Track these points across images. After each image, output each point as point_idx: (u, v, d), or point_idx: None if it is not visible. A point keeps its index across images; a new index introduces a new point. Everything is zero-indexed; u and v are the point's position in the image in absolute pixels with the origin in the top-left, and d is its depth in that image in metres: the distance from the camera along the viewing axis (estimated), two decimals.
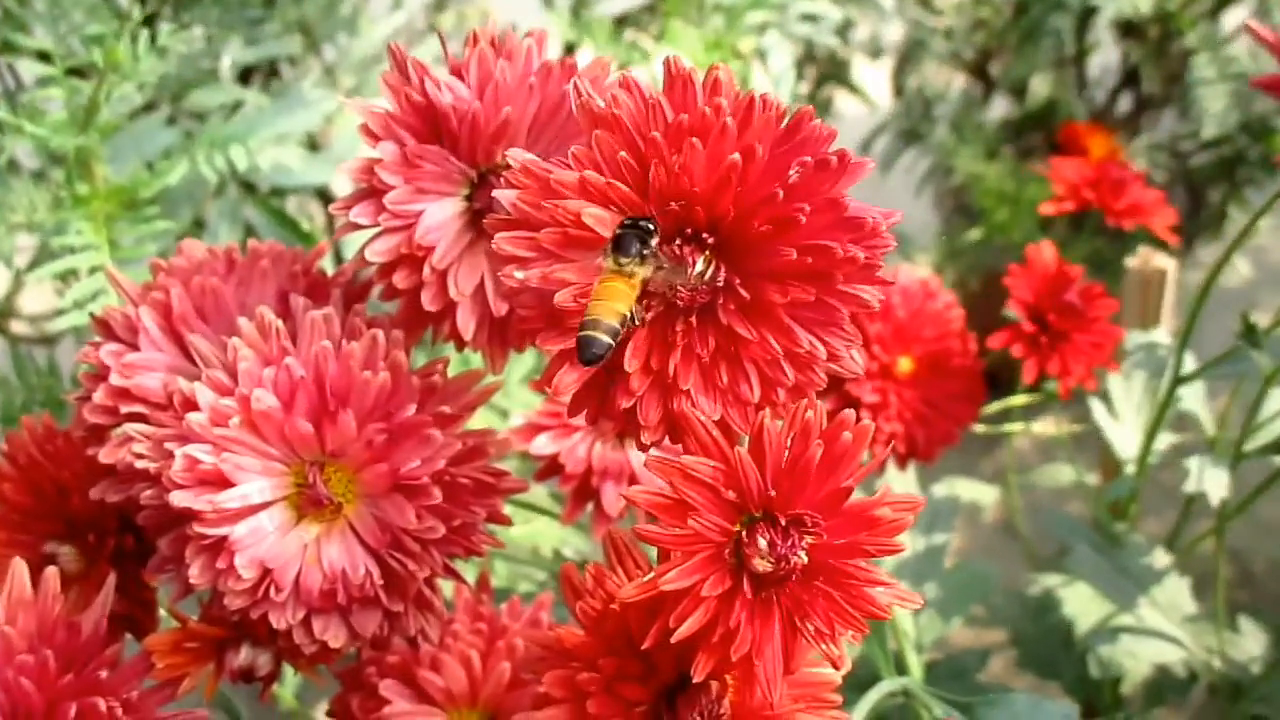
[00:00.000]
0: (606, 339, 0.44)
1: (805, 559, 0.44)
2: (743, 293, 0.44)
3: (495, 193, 0.46)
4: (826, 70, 1.95)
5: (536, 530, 1.02)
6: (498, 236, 0.45)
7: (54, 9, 1.09)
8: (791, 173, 0.43)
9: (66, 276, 0.95)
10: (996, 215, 1.76)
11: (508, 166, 0.55)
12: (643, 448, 0.46)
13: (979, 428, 1.00)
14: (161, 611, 0.64)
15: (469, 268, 0.55)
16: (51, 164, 1.11)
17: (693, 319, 0.45)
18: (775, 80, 1.33)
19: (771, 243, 0.44)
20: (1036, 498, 1.64)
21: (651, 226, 0.44)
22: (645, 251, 0.44)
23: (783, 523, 0.44)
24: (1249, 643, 1.01)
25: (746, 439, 0.45)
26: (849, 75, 1.95)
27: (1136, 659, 0.95)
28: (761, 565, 0.44)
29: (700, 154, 0.43)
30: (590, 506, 0.77)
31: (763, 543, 0.44)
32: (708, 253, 0.44)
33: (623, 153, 0.44)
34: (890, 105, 2.13)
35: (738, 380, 0.45)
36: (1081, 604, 0.99)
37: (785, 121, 0.44)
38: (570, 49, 1.49)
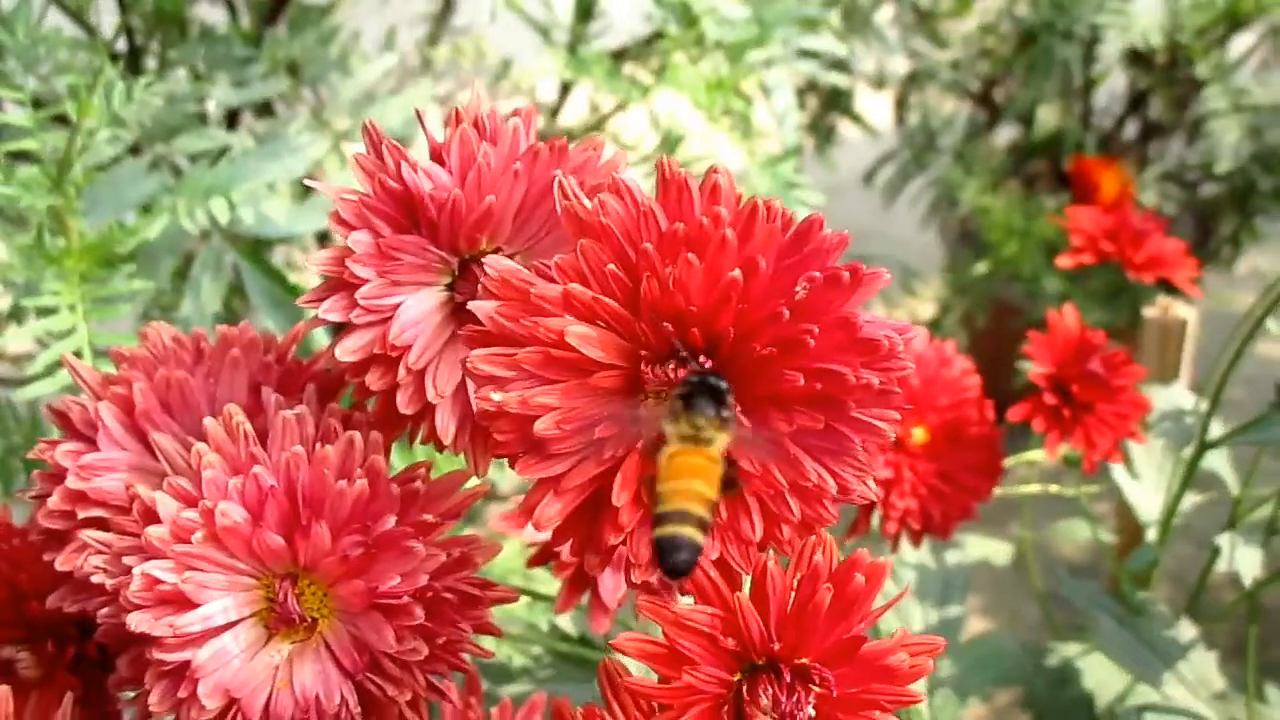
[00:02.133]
0: (697, 538, 0.37)
1: (813, 714, 0.40)
2: (744, 420, 0.40)
3: (471, 305, 0.42)
4: (829, 99, 1.91)
5: (534, 603, 0.98)
6: (472, 355, 0.41)
7: (33, 50, 1.06)
8: (798, 289, 0.39)
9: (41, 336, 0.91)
10: (1005, 249, 1.72)
11: (495, 250, 0.51)
12: (634, 586, 0.42)
13: (995, 490, 0.95)
14: None
15: (449, 366, 0.51)
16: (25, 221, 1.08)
17: None
18: (779, 119, 1.29)
19: (776, 366, 0.39)
20: (1055, 549, 1.60)
21: (724, 385, 0.39)
22: (725, 414, 0.38)
23: (787, 677, 0.40)
24: (1277, 714, 0.97)
25: (749, 580, 0.41)
26: (851, 105, 1.92)
27: None
28: None
29: (697, 269, 0.39)
30: (587, 595, 0.73)
31: (765, 699, 0.40)
32: None
33: (611, 265, 0.40)
34: (894, 132, 2.10)
35: (738, 516, 0.41)
36: (1102, 675, 0.95)
37: (791, 230, 0.40)
38: (567, 87, 1.46)
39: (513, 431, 0.41)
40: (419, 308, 0.51)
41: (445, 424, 0.51)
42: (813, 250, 0.40)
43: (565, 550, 0.43)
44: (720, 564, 0.41)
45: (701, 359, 0.40)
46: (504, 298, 0.41)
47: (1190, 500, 1.02)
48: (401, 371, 0.50)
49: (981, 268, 1.82)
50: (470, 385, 0.51)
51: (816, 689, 0.40)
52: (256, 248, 1.10)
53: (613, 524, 0.41)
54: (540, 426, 0.40)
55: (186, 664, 0.49)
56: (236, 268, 1.10)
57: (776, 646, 0.40)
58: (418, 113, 0.55)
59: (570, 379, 0.40)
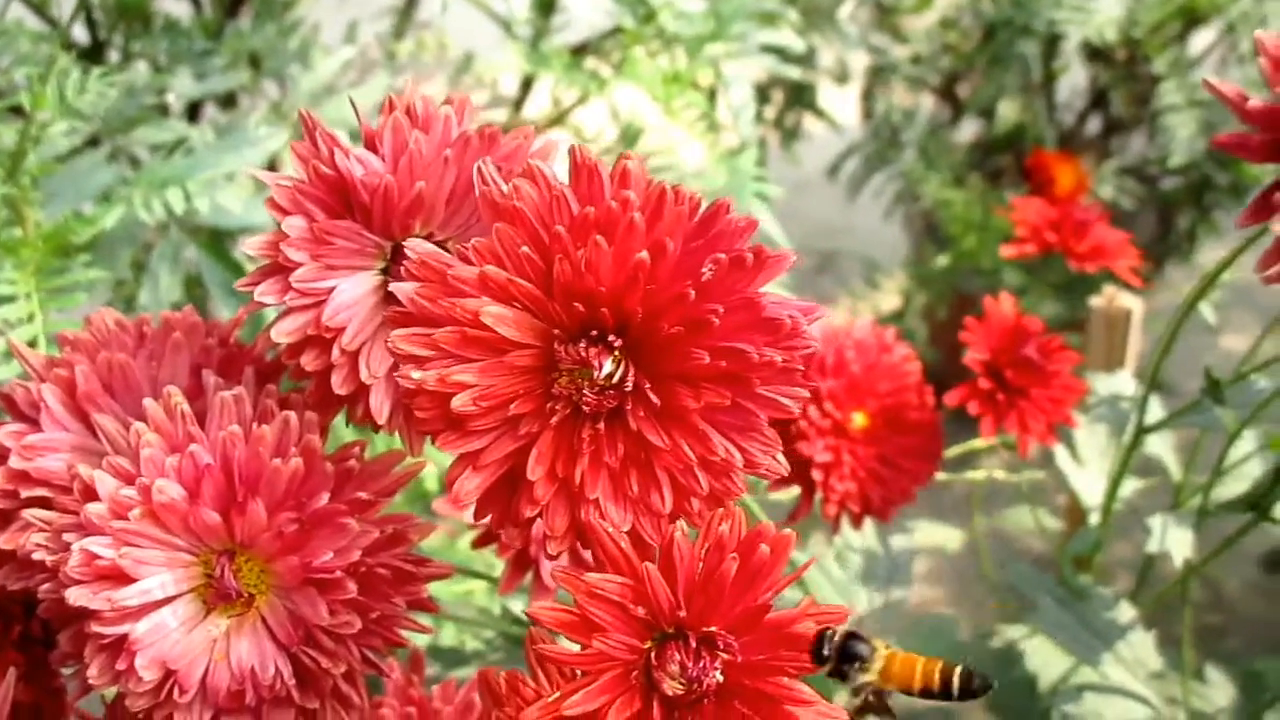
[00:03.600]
0: None
1: (720, 679, 0.41)
2: (653, 397, 0.42)
3: (393, 286, 0.43)
4: (793, 94, 1.93)
5: (486, 586, 1.00)
6: (393, 335, 0.42)
7: None
8: (705, 270, 0.41)
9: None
10: (965, 242, 1.74)
11: (428, 236, 0.52)
12: (550, 557, 0.43)
13: (940, 475, 0.97)
14: None
15: (382, 348, 0.52)
16: None
17: (600, 424, 0.42)
18: (736, 112, 1.31)
19: (683, 345, 0.41)
20: (1005, 536, 1.62)
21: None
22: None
23: (694, 644, 0.41)
24: (1216, 694, 0.99)
25: (657, 553, 0.42)
26: (814, 99, 1.93)
27: (1102, 719, 0.92)
28: (672, 687, 0.41)
29: (606, 251, 0.41)
30: (529, 576, 0.74)
31: (673, 665, 0.41)
32: (616, 354, 0.42)
33: (525, 247, 0.41)
34: (859, 128, 2.12)
35: (649, 489, 0.42)
36: (1045, 658, 0.97)
37: (699, 214, 0.42)
38: (529, 81, 1.47)
39: (433, 409, 0.42)
40: (353, 291, 0.53)
41: (379, 405, 0.53)
42: (719, 233, 0.41)
43: (483, 525, 0.44)
44: (632, 536, 0.42)
45: (611, 338, 0.42)
46: (424, 279, 0.43)
47: (1133, 487, 1.04)
48: (335, 353, 0.52)
49: (943, 261, 1.84)
50: None
51: (723, 655, 0.42)
52: (215, 239, 1.11)
53: (529, 498, 0.42)
54: (457, 403, 0.41)
55: (124, 637, 0.50)
56: (192, 270, 1.11)
57: (684, 614, 0.41)
58: (351, 101, 0.56)
59: (486, 358, 0.42)
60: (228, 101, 1.42)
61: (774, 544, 0.41)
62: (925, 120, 2.06)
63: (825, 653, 0.44)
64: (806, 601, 0.43)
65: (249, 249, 0.52)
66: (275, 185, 0.53)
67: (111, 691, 0.59)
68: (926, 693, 0.48)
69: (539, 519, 0.42)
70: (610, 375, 0.41)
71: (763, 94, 1.98)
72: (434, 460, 0.89)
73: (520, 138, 0.53)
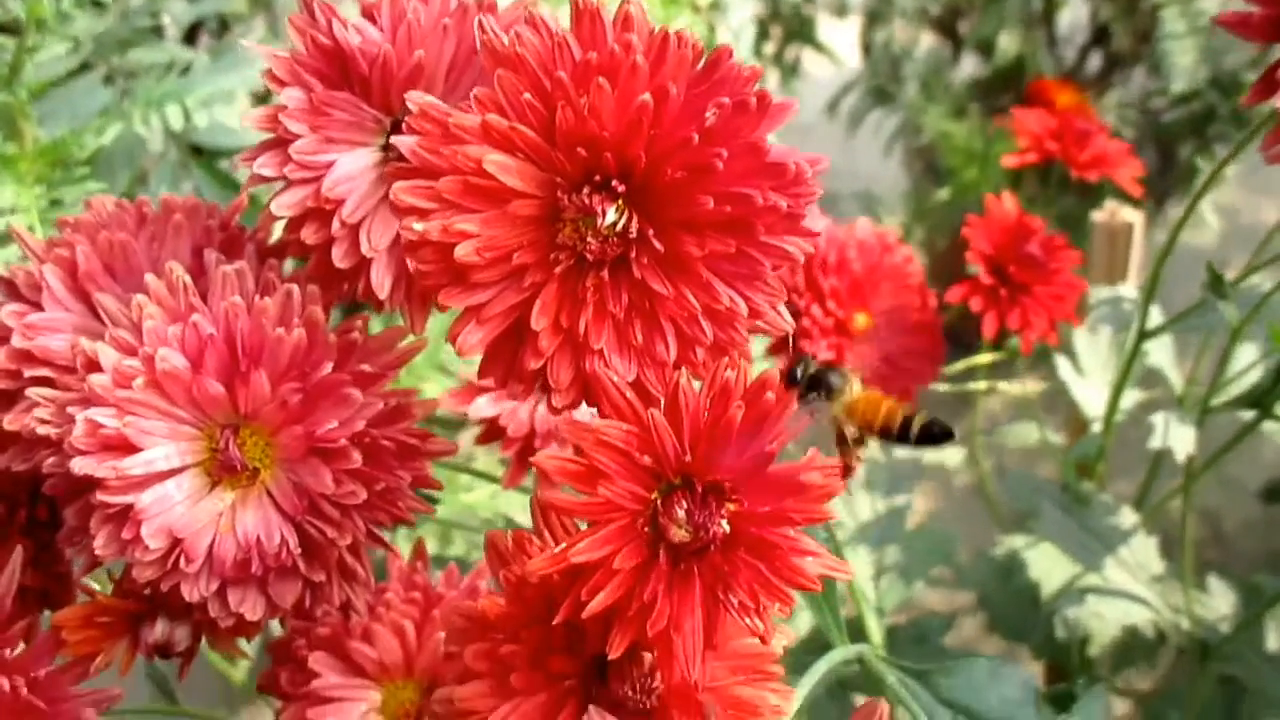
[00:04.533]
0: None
1: (726, 528, 0.42)
2: (657, 245, 0.41)
3: (394, 139, 0.43)
4: (792, 27, 1.92)
5: (494, 497, 1.00)
6: (394, 186, 0.42)
7: None
8: (708, 115, 0.40)
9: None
10: (965, 174, 1.73)
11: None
12: (555, 411, 0.43)
13: (944, 388, 0.97)
14: None
15: (383, 221, 0.52)
16: None
17: (604, 273, 0.42)
18: (735, 34, 1.30)
19: (687, 191, 0.41)
20: (1007, 458, 1.62)
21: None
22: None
23: (701, 490, 0.41)
24: (1218, 602, 1.00)
25: (663, 401, 0.42)
26: (814, 34, 1.92)
27: (1104, 621, 0.93)
28: (679, 535, 0.41)
29: (609, 95, 0.40)
30: (534, 471, 0.74)
31: (680, 511, 0.41)
32: (619, 202, 0.42)
33: (527, 94, 0.41)
34: (858, 64, 2.10)
35: (653, 338, 0.42)
36: (1047, 565, 0.97)
37: (702, 61, 0.41)
38: None
39: (436, 262, 0.42)
40: (353, 164, 0.52)
41: (380, 279, 0.53)
42: (722, 78, 0.41)
43: (491, 382, 0.44)
44: (636, 386, 0.42)
45: (615, 184, 0.41)
46: (424, 131, 0.42)
47: (1135, 398, 1.04)
48: (336, 225, 0.52)
49: (943, 194, 1.83)
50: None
51: (730, 504, 0.42)
52: (214, 159, 1.10)
53: (533, 350, 0.42)
54: (460, 253, 0.41)
55: (130, 507, 0.50)
56: (198, 187, 1.10)
57: (690, 460, 0.41)
58: None
59: (489, 208, 0.42)
60: (221, 29, 1.41)
61: (779, 393, 0.41)
62: (925, 57, 2.04)
63: (798, 376, 0.45)
64: (812, 452, 0.43)
65: (248, 121, 0.52)
66: (273, 57, 0.52)
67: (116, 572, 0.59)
68: (886, 432, 0.49)
69: (544, 371, 0.42)
70: (614, 223, 0.41)
71: (763, 29, 1.96)
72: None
73: (520, 8, 0.53)
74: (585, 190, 0.41)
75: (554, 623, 0.44)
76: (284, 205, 0.52)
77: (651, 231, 0.42)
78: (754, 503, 0.42)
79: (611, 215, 0.41)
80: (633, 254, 0.42)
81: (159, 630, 0.57)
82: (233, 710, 1.32)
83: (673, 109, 0.41)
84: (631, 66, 0.40)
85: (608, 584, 0.41)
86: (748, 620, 0.42)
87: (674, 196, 0.41)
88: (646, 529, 0.42)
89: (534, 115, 0.41)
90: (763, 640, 0.44)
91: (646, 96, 0.40)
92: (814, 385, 0.49)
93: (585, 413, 0.45)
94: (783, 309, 0.43)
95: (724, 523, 0.42)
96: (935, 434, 0.49)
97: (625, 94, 0.40)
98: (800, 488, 0.42)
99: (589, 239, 0.41)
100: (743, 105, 0.40)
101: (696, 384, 0.42)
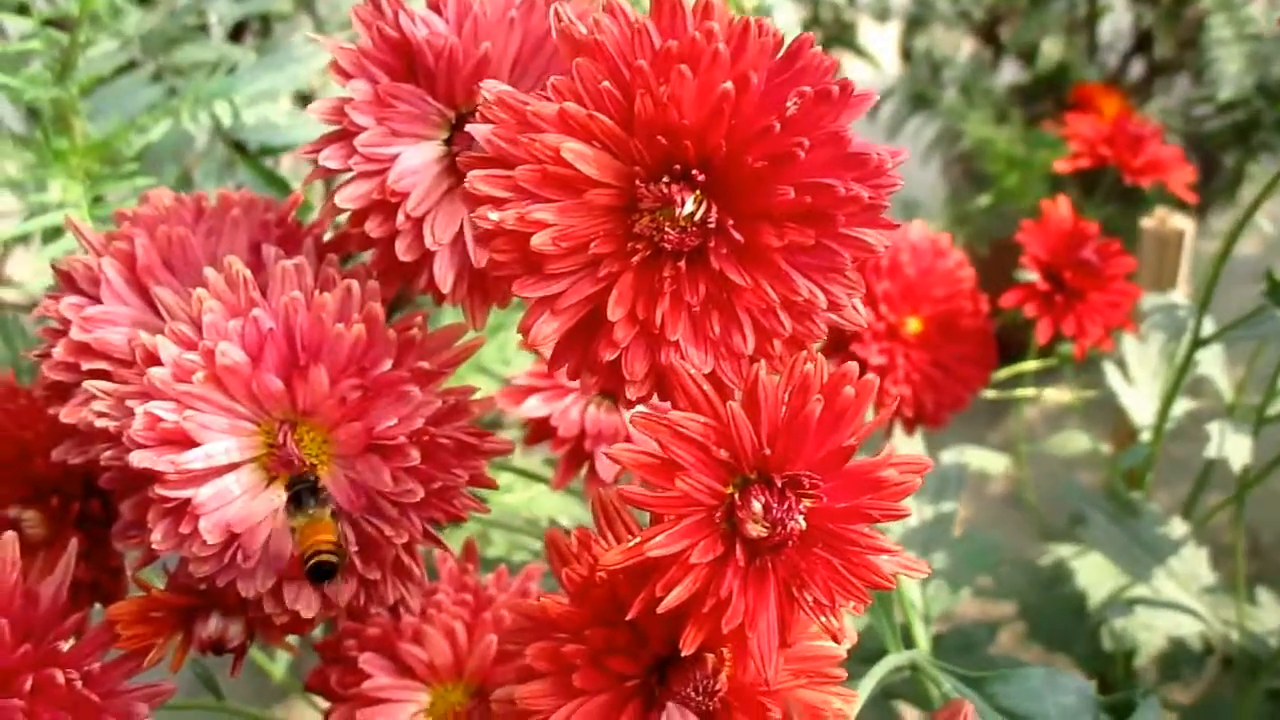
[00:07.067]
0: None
1: (803, 524, 0.41)
2: (736, 235, 0.41)
3: (469, 127, 0.42)
4: (833, 33, 1.91)
5: (534, 498, 0.99)
6: (470, 175, 0.41)
7: None
8: (789, 104, 0.40)
9: (50, 237, 0.92)
10: (1006, 180, 1.72)
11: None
12: (629, 404, 0.42)
13: (989, 393, 0.96)
14: None
15: (447, 215, 0.52)
16: (34, 124, 1.08)
17: (682, 264, 0.41)
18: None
19: (767, 181, 0.40)
20: (1045, 468, 1.60)
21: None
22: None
23: (779, 484, 0.41)
24: (1267, 615, 0.98)
25: (740, 394, 0.41)
26: (855, 38, 1.91)
27: (1152, 631, 0.92)
28: (755, 530, 0.40)
29: (690, 83, 0.40)
30: (584, 471, 0.74)
31: (757, 506, 0.40)
32: (698, 192, 0.41)
33: (605, 82, 0.40)
34: (898, 69, 2.10)
35: (730, 330, 0.41)
36: (1094, 575, 0.96)
37: (783, 49, 0.41)
38: None
39: (510, 251, 0.42)
40: (418, 158, 0.52)
41: (443, 273, 0.52)
42: (803, 67, 0.40)
43: (562, 374, 0.44)
44: (713, 378, 0.41)
45: (695, 174, 0.41)
46: (499, 120, 0.42)
47: (1185, 407, 1.02)
48: (400, 218, 0.51)
49: (983, 200, 1.82)
50: (469, 235, 0.52)
51: (807, 499, 0.41)
52: (260, 157, 1.10)
53: (608, 341, 0.41)
54: (537, 241, 0.40)
55: (188, 501, 0.50)
56: (242, 184, 1.10)
57: (768, 453, 0.41)
58: None
59: (566, 197, 0.41)
60: (265, 30, 1.41)
61: (859, 387, 0.41)
62: (966, 62, 2.03)
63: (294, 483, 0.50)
64: (889, 449, 0.42)
65: (314, 111, 0.51)
66: (339, 49, 0.52)
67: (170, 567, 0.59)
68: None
69: (618, 363, 0.42)
70: (692, 213, 0.41)
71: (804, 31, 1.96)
72: None
73: (588, 2, 0.52)
74: (664, 180, 0.41)
75: (626, 618, 0.43)
76: (349, 198, 0.51)
77: (730, 222, 0.41)
78: (831, 498, 0.41)
79: (690, 205, 0.40)
80: (711, 244, 0.41)
81: (213, 626, 0.57)
82: (266, 706, 1.32)
83: (754, 98, 0.40)
84: (713, 55, 0.39)
85: (683, 579, 0.40)
86: (822, 619, 0.41)
87: (754, 186, 0.40)
88: (722, 524, 0.41)
89: (612, 104, 0.41)
90: (835, 639, 0.43)
91: (728, 85, 0.39)
92: (293, 496, 0.50)
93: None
94: (858, 303, 0.42)
95: (801, 518, 0.41)
96: (321, 572, 0.50)
97: (706, 82, 0.40)
98: (878, 484, 0.41)
99: (667, 229, 0.41)
100: (825, 94, 0.40)
101: (774, 376, 0.41)
